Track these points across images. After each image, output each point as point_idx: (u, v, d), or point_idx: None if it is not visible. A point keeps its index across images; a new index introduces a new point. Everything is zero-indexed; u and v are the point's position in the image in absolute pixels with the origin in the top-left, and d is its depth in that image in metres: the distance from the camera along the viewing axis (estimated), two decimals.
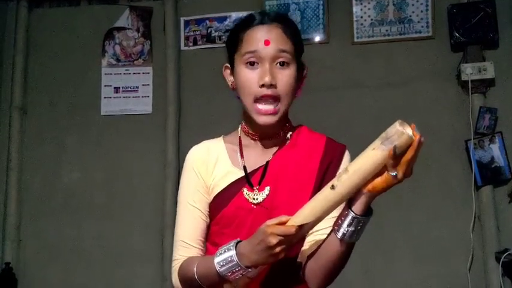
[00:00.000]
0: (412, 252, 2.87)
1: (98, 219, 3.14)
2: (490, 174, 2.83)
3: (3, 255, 3.14)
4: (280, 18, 1.22)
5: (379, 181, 0.96)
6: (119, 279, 3.08)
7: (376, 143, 0.95)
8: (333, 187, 0.98)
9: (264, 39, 1.17)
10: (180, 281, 1.22)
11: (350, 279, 2.71)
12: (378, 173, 0.96)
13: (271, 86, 1.16)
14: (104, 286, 3.09)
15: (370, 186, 0.97)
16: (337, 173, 1.08)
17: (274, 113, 1.18)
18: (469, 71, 2.84)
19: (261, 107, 1.17)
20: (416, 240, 2.87)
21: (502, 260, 2.68)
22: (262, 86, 1.16)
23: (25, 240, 3.19)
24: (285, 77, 1.18)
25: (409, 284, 2.85)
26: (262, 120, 1.18)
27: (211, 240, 1.25)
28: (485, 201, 2.82)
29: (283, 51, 1.17)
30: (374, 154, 0.94)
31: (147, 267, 3.06)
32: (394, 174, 0.94)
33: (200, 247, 1.25)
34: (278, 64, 1.17)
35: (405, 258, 2.87)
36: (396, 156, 0.92)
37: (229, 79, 1.27)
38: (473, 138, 2.84)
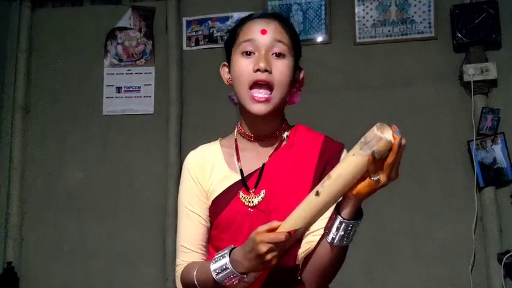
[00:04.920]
0: (414, 253, 2.86)
1: (100, 218, 3.15)
2: (492, 175, 2.82)
3: (5, 255, 3.14)
4: (279, 16, 1.24)
5: (362, 186, 0.94)
6: (121, 279, 3.09)
7: (356, 148, 0.93)
8: (317, 193, 0.97)
9: (261, 29, 1.19)
10: (183, 286, 1.22)
11: (353, 279, 2.71)
12: (362, 176, 0.94)
13: (266, 71, 1.16)
14: (106, 286, 3.09)
15: (354, 191, 0.95)
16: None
17: (267, 101, 1.17)
18: (472, 72, 2.84)
19: (256, 94, 1.17)
20: (418, 241, 2.86)
21: (504, 261, 2.67)
22: (257, 70, 1.16)
23: (27, 240, 3.20)
24: (280, 66, 1.18)
25: (411, 285, 2.84)
26: (256, 108, 1.17)
27: (212, 244, 1.25)
28: (487, 202, 2.81)
29: (280, 41, 1.18)
30: (354, 160, 0.92)
31: (149, 267, 3.06)
32: (377, 179, 0.92)
33: (201, 251, 1.25)
34: (274, 55, 1.18)
35: (407, 259, 2.86)
36: (376, 161, 0.90)
37: (226, 77, 1.27)
38: (476, 139, 2.84)
